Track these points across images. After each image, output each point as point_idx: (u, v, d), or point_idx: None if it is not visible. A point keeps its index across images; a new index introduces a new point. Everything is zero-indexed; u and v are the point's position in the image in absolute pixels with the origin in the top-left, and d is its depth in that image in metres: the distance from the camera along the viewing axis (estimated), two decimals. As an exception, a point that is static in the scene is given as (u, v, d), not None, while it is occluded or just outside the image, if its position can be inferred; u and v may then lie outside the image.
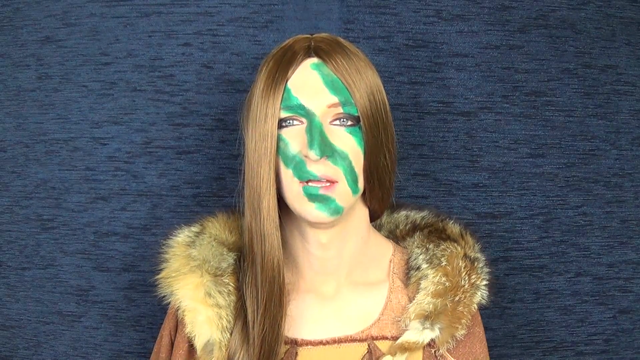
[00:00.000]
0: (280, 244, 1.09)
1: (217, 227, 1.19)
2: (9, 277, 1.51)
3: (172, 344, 1.18)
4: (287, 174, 1.06)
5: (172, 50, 1.45)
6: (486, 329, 1.47)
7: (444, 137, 1.47)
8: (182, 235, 1.19)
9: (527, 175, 1.49)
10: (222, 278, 1.14)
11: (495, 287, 1.47)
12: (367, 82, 1.08)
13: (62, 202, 1.48)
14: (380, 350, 1.11)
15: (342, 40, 1.11)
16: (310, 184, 1.05)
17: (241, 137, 1.15)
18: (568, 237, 1.50)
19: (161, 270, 1.17)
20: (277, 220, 1.08)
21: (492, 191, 1.48)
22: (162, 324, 1.43)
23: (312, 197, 1.05)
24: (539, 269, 1.50)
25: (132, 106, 1.46)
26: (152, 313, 1.47)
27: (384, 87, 1.43)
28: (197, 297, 1.12)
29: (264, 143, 1.06)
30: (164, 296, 1.16)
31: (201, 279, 1.13)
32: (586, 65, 1.50)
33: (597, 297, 1.52)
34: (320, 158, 1.03)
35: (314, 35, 1.11)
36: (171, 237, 1.20)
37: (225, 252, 1.16)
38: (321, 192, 1.05)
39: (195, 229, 1.20)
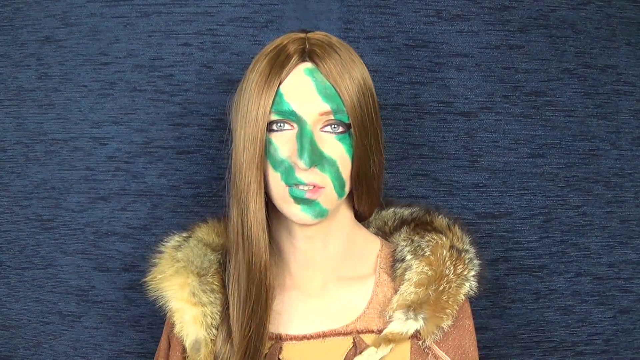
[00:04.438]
0: (267, 246, 1.10)
1: (204, 231, 1.21)
2: (9, 277, 1.51)
3: (170, 348, 1.20)
4: (274, 177, 1.07)
5: (172, 50, 1.45)
6: (486, 329, 1.48)
7: (444, 137, 1.47)
8: (172, 241, 1.22)
9: (527, 175, 1.49)
10: (206, 277, 1.15)
11: (495, 287, 1.48)
12: (359, 85, 1.07)
13: (62, 202, 1.48)
14: (365, 344, 1.11)
15: (334, 40, 1.10)
16: (296, 187, 1.06)
17: (230, 134, 1.14)
18: (568, 237, 1.50)
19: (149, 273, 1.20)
20: (264, 223, 1.09)
21: (492, 191, 1.48)
22: (162, 324, 1.43)
23: (298, 199, 1.06)
24: (539, 269, 1.50)
25: (132, 106, 1.46)
26: (152, 313, 1.47)
27: (384, 87, 1.44)
28: (182, 297, 1.14)
29: (254, 146, 1.06)
30: (156, 298, 1.18)
31: (186, 280, 1.15)
32: (586, 65, 1.50)
33: (597, 297, 1.52)
34: (310, 168, 1.03)
35: (308, 35, 1.10)
36: (162, 243, 1.22)
37: (208, 252, 1.18)
38: (307, 196, 1.05)
39: (185, 234, 1.23)
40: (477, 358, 1.18)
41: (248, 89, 1.08)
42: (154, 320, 1.47)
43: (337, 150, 1.06)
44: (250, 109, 1.06)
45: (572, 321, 1.52)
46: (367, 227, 1.25)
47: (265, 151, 1.06)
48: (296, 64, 1.07)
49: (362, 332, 1.12)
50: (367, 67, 1.12)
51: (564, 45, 1.49)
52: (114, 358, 1.49)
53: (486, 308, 1.48)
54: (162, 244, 1.21)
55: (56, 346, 1.50)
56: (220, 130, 1.45)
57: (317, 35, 1.10)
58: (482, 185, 1.48)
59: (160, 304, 1.17)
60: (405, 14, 1.45)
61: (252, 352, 1.09)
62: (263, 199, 1.08)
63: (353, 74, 1.07)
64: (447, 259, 1.14)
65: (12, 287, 1.51)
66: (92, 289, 1.49)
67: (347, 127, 1.07)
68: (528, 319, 1.50)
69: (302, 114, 1.05)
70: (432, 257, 1.14)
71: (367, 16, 1.45)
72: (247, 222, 1.08)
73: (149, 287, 1.18)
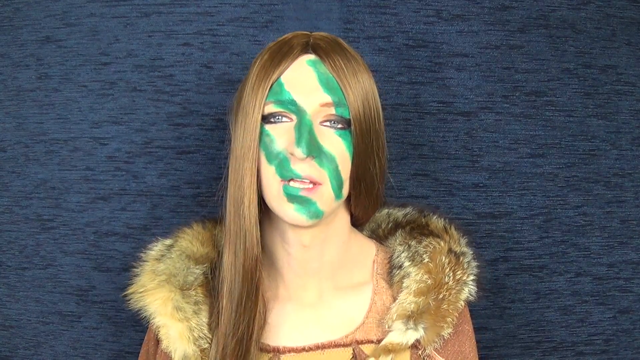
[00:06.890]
0: (259, 240, 1.06)
1: (188, 240, 1.17)
2: (9, 277, 1.51)
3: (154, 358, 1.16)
4: (268, 171, 1.03)
5: (172, 50, 1.45)
6: (486, 329, 1.48)
7: (444, 137, 1.47)
8: (155, 249, 1.18)
9: (527, 175, 1.49)
10: (190, 291, 1.12)
11: (495, 287, 1.48)
12: (362, 86, 1.05)
13: (62, 202, 1.48)
14: (365, 354, 1.08)
15: (341, 41, 1.09)
16: (291, 183, 1.01)
17: (229, 134, 1.12)
18: (568, 237, 1.50)
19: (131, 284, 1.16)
20: (257, 216, 1.05)
21: (492, 191, 1.48)
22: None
23: (292, 197, 1.01)
24: (539, 269, 1.50)
25: (132, 106, 1.46)
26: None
27: (384, 87, 1.44)
28: (166, 312, 1.11)
29: (250, 136, 1.03)
30: (138, 310, 1.15)
31: (169, 294, 1.11)
32: (586, 65, 1.50)
33: (597, 297, 1.52)
34: (307, 157, 0.99)
35: (313, 33, 1.09)
36: (145, 250, 1.19)
37: (192, 266, 1.13)
38: (302, 193, 1.01)
39: (168, 242, 1.19)
40: None
41: (249, 82, 1.06)
42: (154, 320, 1.47)
43: (337, 145, 1.02)
44: (248, 100, 1.04)
45: (572, 321, 1.52)
46: (361, 230, 1.21)
47: (261, 143, 1.03)
48: (298, 55, 1.04)
49: (361, 342, 1.09)
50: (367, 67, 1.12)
51: (564, 45, 1.49)
52: (114, 358, 1.49)
53: (486, 308, 1.48)
54: (145, 252, 1.18)
55: (56, 346, 1.50)
56: (220, 130, 1.45)
57: (323, 33, 1.09)
58: (482, 185, 1.48)
59: (144, 316, 1.14)
60: (405, 14, 1.45)
61: (245, 353, 1.06)
62: (257, 192, 1.04)
63: (358, 73, 1.05)
64: (446, 265, 1.11)
65: (12, 287, 1.51)
66: (92, 289, 1.49)
67: (348, 123, 1.03)
68: (528, 319, 1.50)
69: (302, 103, 1.01)
70: (431, 264, 1.10)
71: (367, 16, 1.45)
72: (241, 215, 1.04)
73: (130, 300, 1.14)
